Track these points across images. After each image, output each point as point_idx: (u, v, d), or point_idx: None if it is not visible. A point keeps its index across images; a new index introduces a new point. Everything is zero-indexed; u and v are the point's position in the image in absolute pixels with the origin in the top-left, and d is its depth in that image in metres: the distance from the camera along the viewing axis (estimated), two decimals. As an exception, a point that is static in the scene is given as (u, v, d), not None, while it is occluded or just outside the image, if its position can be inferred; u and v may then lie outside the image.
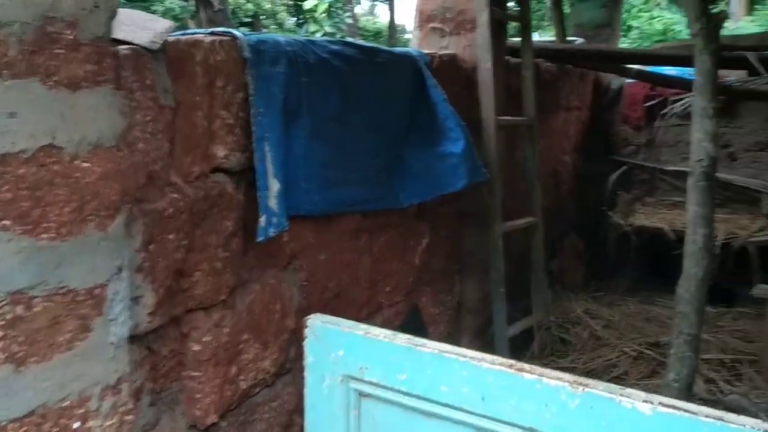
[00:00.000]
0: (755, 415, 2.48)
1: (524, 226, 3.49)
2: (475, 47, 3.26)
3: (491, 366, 1.10)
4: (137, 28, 1.64)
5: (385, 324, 2.86)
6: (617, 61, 4.05)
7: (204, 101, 1.81)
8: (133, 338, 1.61)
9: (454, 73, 3.15)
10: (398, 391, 1.20)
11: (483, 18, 3.07)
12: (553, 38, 5.01)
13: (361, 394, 1.25)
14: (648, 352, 3.41)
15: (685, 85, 4.48)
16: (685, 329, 2.60)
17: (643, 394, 1.00)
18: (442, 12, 3.34)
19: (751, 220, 4.55)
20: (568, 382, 1.04)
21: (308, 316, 1.37)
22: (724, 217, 4.63)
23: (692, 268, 2.64)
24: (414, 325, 3.05)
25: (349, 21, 15.35)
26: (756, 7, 11.62)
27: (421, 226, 3.04)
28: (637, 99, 5.37)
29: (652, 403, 0.99)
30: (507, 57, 3.53)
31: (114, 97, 1.36)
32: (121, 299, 1.42)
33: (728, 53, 3.79)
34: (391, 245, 2.82)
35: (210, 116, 1.84)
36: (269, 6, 14.98)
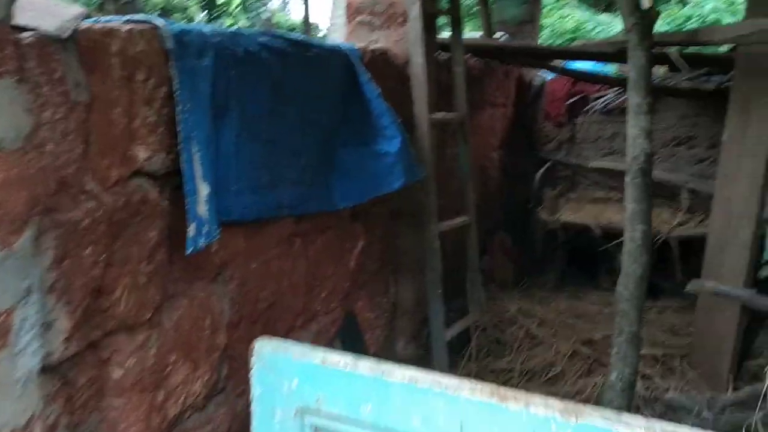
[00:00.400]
0: (697, 413, 2.49)
1: (460, 225, 3.40)
2: (406, 41, 3.15)
3: (471, 395, 0.97)
4: (43, 13, 1.43)
5: (322, 333, 2.72)
6: (548, 57, 4.04)
7: (122, 97, 1.60)
8: (46, 369, 1.41)
9: (387, 69, 3.02)
10: (362, 425, 1.05)
11: (415, 11, 2.96)
12: (476, 33, 4.99)
13: (319, 429, 1.11)
14: (583, 349, 3.40)
15: (610, 81, 4.55)
16: (626, 327, 2.57)
17: (642, 421, 0.89)
18: (371, 4, 3.21)
19: (671, 214, 4.65)
20: (558, 411, 0.92)
21: (255, 341, 1.21)
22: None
23: (631, 265, 2.61)
24: (350, 332, 2.91)
25: (266, 15, 14.99)
26: (665, 7, 12.08)
27: (355, 228, 2.90)
28: (559, 96, 5.40)
29: (654, 430, 0.89)
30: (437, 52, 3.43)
31: (17, 92, 1.16)
32: (30, 327, 1.22)
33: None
34: (326, 249, 2.67)
35: (130, 113, 1.63)
36: (179, 0, 14.44)
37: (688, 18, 10.30)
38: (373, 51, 2.90)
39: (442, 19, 3.52)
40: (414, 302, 3.46)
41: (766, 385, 1.95)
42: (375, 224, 3.07)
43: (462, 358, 3.37)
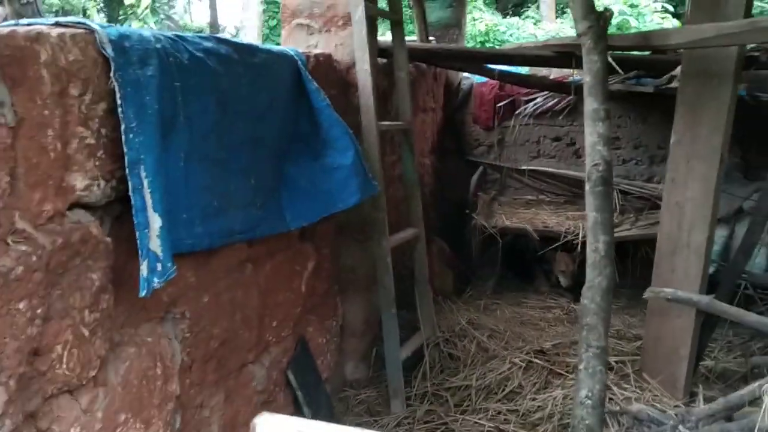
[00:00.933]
0: (672, 428, 2.42)
1: (410, 238, 3.24)
2: (348, 46, 2.96)
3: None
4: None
5: (274, 365, 2.48)
6: (485, 61, 3.94)
7: (55, 116, 1.33)
8: (-25, 458, 1.13)
9: (330, 75, 2.82)
10: None
11: (359, 14, 2.77)
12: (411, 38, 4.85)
13: None
14: (536, 360, 3.31)
15: (547, 86, 4.52)
16: (594, 342, 2.46)
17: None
18: (308, 6, 2.99)
19: (604, 215, 4.65)
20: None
21: (255, 420, 0.98)
22: (581, 215, 4.71)
23: (596, 277, 2.51)
24: (303, 360, 2.69)
25: (175, 17, 14.31)
26: (566, 11, 12.42)
27: (305, 248, 2.68)
28: (487, 99, 5.34)
29: None
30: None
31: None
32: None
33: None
34: (276, 274, 2.44)
35: (64, 136, 1.37)
36: (77, 0, 13.53)
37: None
38: (316, 57, 2.68)
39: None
40: (362, 322, 3.28)
41: (765, 405, 1.88)
42: (323, 242, 2.86)
43: (414, 377, 3.20)
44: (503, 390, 3.11)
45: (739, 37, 2.13)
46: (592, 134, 2.60)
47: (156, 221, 1.52)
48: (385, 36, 3.65)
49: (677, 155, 2.97)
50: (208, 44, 1.90)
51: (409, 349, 3.12)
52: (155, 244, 1.52)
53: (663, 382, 3.04)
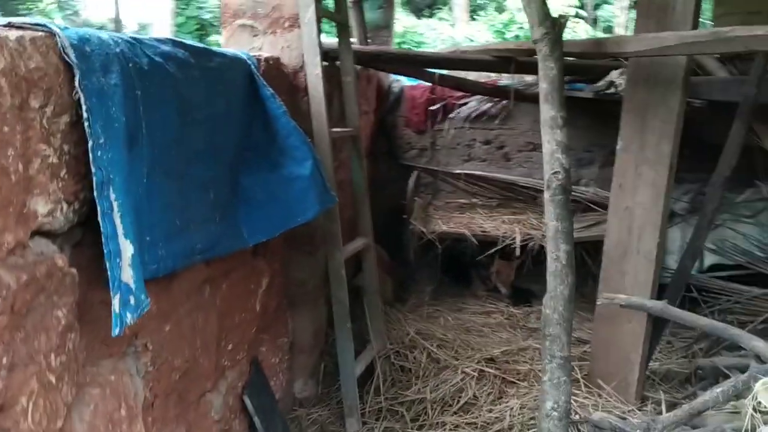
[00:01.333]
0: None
1: (361, 248, 3.13)
2: (294, 48, 2.82)
3: None
4: None
5: (230, 391, 2.33)
6: (428, 65, 3.88)
7: (15, 133, 1.15)
8: None
9: (279, 80, 2.67)
10: None
11: (309, 14, 2.64)
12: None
13: None
14: (488, 369, 3.27)
15: (486, 90, 4.51)
16: (558, 352, 2.44)
17: None
18: (252, 6, 2.83)
19: (538, 219, 4.70)
20: None
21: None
22: (515, 218, 4.74)
23: (558, 286, 2.49)
24: (258, 383, 2.54)
25: (81, 14, 13.50)
26: (479, 13, 12.62)
27: (259, 265, 2.53)
28: (418, 102, 5.30)
29: None
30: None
31: None
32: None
33: (526, 57, 3.82)
34: (233, 294, 2.28)
35: (26, 155, 1.18)
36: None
37: (509, 23, 10.81)
38: (266, 60, 2.54)
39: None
40: (311, 337, 3.14)
41: (748, 414, 1.90)
42: (274, 257, 2.72)
43: (366, 392, 3.10)
44: (458, 402, 3.06)
45: (702, 46, 2.16)
46: (550, 142, 2.58)
47: (128, 248, 1.35)
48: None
49: (625, 161, 3.01)
50: (165, 48, 1.73)
51: (362, 364, 3.02)
52: (127, 275, 1.35)
53: (615, 387, 3.07)
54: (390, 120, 5.38)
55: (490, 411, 2.97)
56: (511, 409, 2.95)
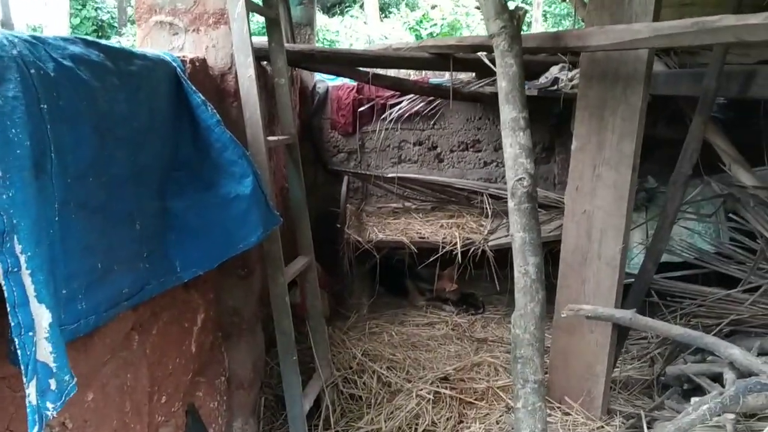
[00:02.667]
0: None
1: (302, 269, 2.82)
2: (221, 48, 2.49)
3: None
4: None
5: (167, 451, 1.97)
6: (365, 63, 3.59)
7: None
8: None
9: (207, 84, 2.33)
10: None
11: (239, 8, 2.31)
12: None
13: None
14: (444, 391, 3.03)
15: (422, 90, 4.29)
16: (531, 376, 2.23)
17: None
18: (170, 1, 2.47)
19: (477, 222, 4.52)
20: None
21: None
22: (454, 222, 4.54)
23: (528, 304, 2.27)
24: (196, 435, 2.20)
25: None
26: (391, 11, 12.41)
27: (192, 299, 2.19)
28: (345, 103, 5.02)
29: None
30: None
31: None
32: None
33: (463, 54, 3.62)
34: (166, 338, 1.93)
35: None
36: None
37: (422, 20, 10.67)
38: (192, 62, 2.19)
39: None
40: (249, 371, 2.80)
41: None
42: (207, 286, 2.37)
43: (315, 427, 2.80)
44: (416, 430, 2.80)
45: (681, 38, 1.98)
46: (513, 145, 2.36)
47: (43, 317, 1.02)
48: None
49: (581, 162, 2.84)
50: (75, 49, 1.39)
51: (310, 398, 2.72)
52: (44, 352, 1.02)
53: (577, 401, 2.90)
54: (315, 123, 5.08)
55: (452, 439, 2.74)
56: (473, 433, 2.72)
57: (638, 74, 2.54)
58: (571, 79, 3.56)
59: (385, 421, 2.84)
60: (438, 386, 3.09)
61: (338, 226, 4.33)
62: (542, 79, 3.62)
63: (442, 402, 2.99)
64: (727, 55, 2.82)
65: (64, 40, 1.38)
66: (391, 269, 4.51)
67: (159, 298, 1.88)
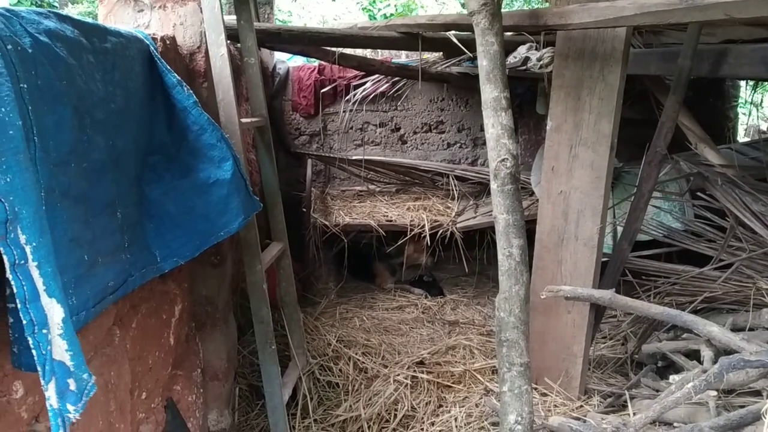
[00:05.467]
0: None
1: (278, 255, 2.73)
2: (190, 26, 2.36)
3: None
4: None
5: (148, 449, 1.88)
6: (332, 43, 3.49)
7: None
8: None
9: (177, 63, 2.22)
10: None
11: (210, -15, 2.20)
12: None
13: None
14: (421, 375, 2.99)
15: (389, 70, 4.22)
16: (517, 359, 2.21)
17: None
18: (135, -25, 2.33)
19: (443, 204, 4.50)
20: None
21: None
22: (420, 204, 4.51)
23: (513, 286, 2.25)
24: (175, 429, 2.11)
25: None
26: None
27: (169, 289, 2.09)
28: (306, 84, 4.91)
29: None
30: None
31: None
32: None
33: (432, 34, 3.56)
34: (145, 331, 1.84)
35: None
36: None
37: (374, 0, 10.53)
38: (163, 40, 2.08)
39: None
40: (224, 361, 2.71)
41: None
42: (182, 275, 2.27)
43: (293, 416, 2.74)
44: (395, 416, 2.77)
45: (669, 15, 1.96)
46: (495, 126, 2.33)
47: (56, 311, 0.93)
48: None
49: (557, 142, 2.82)
50: (49, 23, 1.28)
51: (288, 387, 2.66)
52: (60, 350, 0.93)
53: (555, 381, 2.91)
54: (276, 104, 4.96)
55: (433, 424, 2.71)
56: (456, 420, 2.70)
57: (616, 53, 2.53)
58: (540, 59, 3.53)
59: (363, 408, 2.79)
60: (415, 371, 3.06)
61: (304, 210, 4.25)
62: (511, 59, 3.57)
63: (420, 386, 2.96)
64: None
65: (38, 14, 1.27)
66: (358, 253, 4.45)
67: (138, 290, 1.77)
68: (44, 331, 0.91)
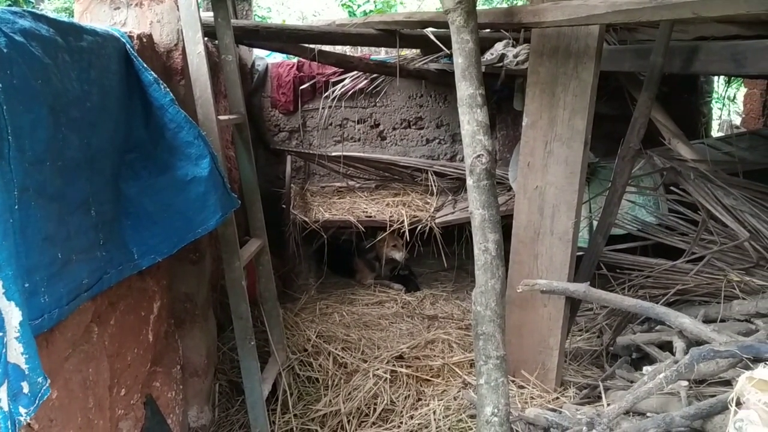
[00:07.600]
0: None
1: (257, 251, 2.75)
2: (166, 24, 2.37)
3: None
4: None
5: (127, 445, 1.89)
6: (311, 40, 3.50)
7: None
8: None
9: (153, 62, 2.22)
10: None
11: (186, -18, 2.20)
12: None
13: None
14: (400, 369, 3.02)
15: (368, 67, 4.24)
16: (493, 352, 2.24)
17: None
18: (111, -28, 2.33)
19: (422, 200, 4.53)
20: None
21: None
22: (400, 200, 4.54)
23: (489, 280, 2.28)
24: (155, 427, 2.12)
25: None
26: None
27: (148, 286, 2.10)
28: (285, 81, 4.92)
29: None
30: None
31: None
32: None
33: (409, 31, 3.59)
34: (124, 328, 1.85)
35: None
36: None
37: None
38: (140, 38, 2.08)
39: None
40: (204, 357, 2.73)
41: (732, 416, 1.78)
42: (162, 273, 2.28)
43: (273, 411, 2.75)
44: (375, 410, 2.79)
45: (639, 14, 2.00)
46: (470, 122, 2.35)
47: (13, 315, 0.94)
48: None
49: (532, 138, 2.85)
50: (24, 23, 1.29)
51: (268, 383, 2.67)
52: (16, 353, 0.94)
53: (531, 374, 2.95)
54: (255, 101, 4.96)
55: (412, 417, 2.74)
56: (434, 413, 2.73)
57: (590, 50, 2.57)
58: (516, 56, 3.57)
59: (343, 402, 2.82)
60: (394, 365, 3.09)
61: (283, 206, 4.26)
62: (488, 56, 3.61)
63: (399, 381, 2.99)
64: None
65: (13, 13, 1.28)
66: (337, 249, 4.47)
67: (116, 287, 1.79)
68: (0, 333, 0.93)
